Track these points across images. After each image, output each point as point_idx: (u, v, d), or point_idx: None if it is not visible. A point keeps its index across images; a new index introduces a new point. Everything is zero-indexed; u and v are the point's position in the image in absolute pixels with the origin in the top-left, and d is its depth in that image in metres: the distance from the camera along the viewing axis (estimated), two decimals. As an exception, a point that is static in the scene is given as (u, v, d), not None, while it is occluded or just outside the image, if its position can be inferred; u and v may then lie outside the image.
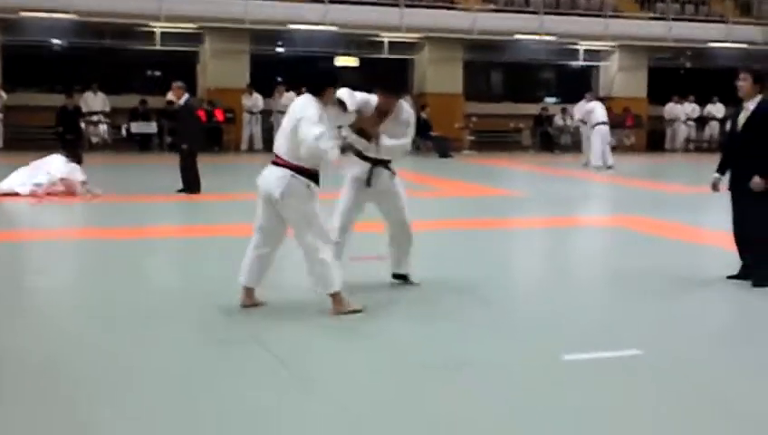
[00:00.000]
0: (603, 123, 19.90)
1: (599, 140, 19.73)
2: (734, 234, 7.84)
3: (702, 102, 26.90)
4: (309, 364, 5.19)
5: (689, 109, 26.79)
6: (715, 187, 7.91)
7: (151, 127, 22.26)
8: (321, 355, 5.39)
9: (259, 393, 4.68)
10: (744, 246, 7.77)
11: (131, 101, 22.73)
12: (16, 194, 12.73)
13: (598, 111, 20.13)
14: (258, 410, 4.44)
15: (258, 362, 5.22)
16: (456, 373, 5.06)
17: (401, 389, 4.78)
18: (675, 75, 28.19)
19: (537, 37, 24.60)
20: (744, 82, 7.65)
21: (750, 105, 7.64)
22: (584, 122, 20.83)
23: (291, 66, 25.25)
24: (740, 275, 7.77)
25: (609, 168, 19.54)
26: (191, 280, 7.93)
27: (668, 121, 26.92)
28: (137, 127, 22.28)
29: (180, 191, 13.54)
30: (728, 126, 8.50)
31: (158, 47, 23.38)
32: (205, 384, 4.81)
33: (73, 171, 13.26)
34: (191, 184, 13.56)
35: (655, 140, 26.76)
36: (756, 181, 7.42)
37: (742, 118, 7.69)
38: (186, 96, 13.87)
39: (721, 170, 7.90)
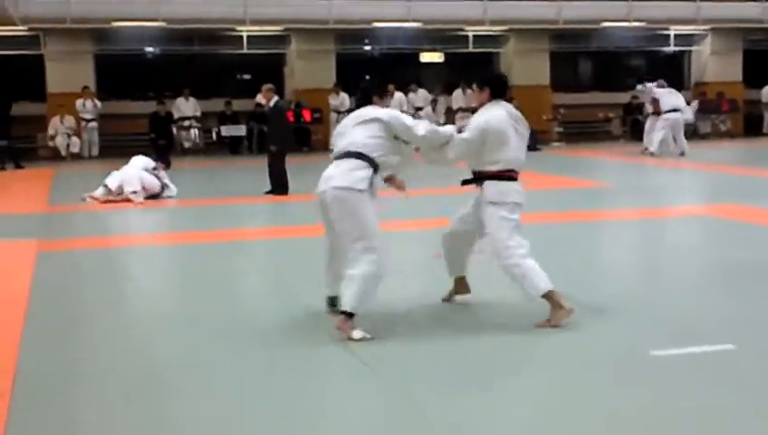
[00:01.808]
0: (674, 110, 19.31)
1: (663, 127, 19.19)
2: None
3: (801, 84, 25.92)
4: (395, 368, 5.19)
5: (786, 91, 25.86)
6: None
7: (241, 130, 22.57)
8: (407, 360, 5.37)
9: (346, 396, 4.69)
10: None
11: (222, 105, 23.11)
12: (114, 200, 13.08)
13: (666, 97, 19.54)
14: (346, 412, 4.45)
15: (345, 365, 5.24)
16: (544, 371, 4.99)
17: (487, 391, 4.73)
18: (772, 57, 27.26)
19: (625, 24, 24.08)
20: None
21: None
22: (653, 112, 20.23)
23: (377, 64, 25.32)
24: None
25: (682, 154, 19.02)
26: (278, 281, 8.01)
27: (766, 105, 26.03)
28: (226, 130, 22.63)
29: (268, 193, 13.69)
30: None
31: (245, 51, 23.69)
32: (290, 385, 4.84)
33: (151, 179, 13.49)
34: (279, 185, 13.70)
35: (752, 124, 25.92)
36: None
37: None
38: (275, 98, 14.05)
39: None
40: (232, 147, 22.85)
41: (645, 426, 4.15)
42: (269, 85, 14.13)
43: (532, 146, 22.21)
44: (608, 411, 4.34)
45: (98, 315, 6.70)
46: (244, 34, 23.33)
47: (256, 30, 23.10)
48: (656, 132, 19.41)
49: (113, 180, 13.24)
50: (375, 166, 5.77)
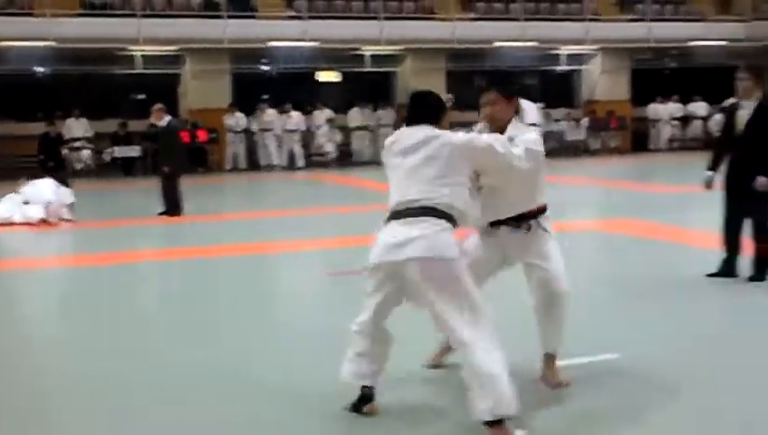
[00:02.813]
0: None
1: None
2: (724, 231, 7.80)
3: (685, 101, 26.91)
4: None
5: (672, 108, 26.79)
6: (708, 185, 7.85)
7: (134, 151, 22.17)
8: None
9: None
10: (734, 244, 7.75)
11: (115, 125, 22.64)
12: (11, 223, 12.72)
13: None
14: None
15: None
16: (435, 386, 5.00)
17: None
18: (657, 76, 28.19)
19: (518, 44, 24.58)
20: (747, 82, 7.55)
21: (750, 104, 7.53)
22: None
23: (274, 83, 25.24)
24: (720, 273, 7.77)
25: None
26: (171, 303, 7.86)
27: (652, 122, 26.91)
28: (120, 151, 22.20)
29: (161, 214, 13.47)
30: (716, 124, 8.44)
31: (138, 71, 23.31)
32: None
33: (62, 195, 13.24)
34: (173, 206, 13.50)
35: (639, 140, 26.75)
36: (762, 181, 7.37)
37: (741, 117, 7.57)
38: (167, 118, 13.84)
39: (713, 168, 7.84)
40: (125, 168, 22.42)
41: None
42: (160, 105, 13.92)
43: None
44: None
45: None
46: (138, 54, 22.96)
47: (150, 50, 22.75)
48: None
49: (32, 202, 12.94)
50: (455, 223, 4.38)
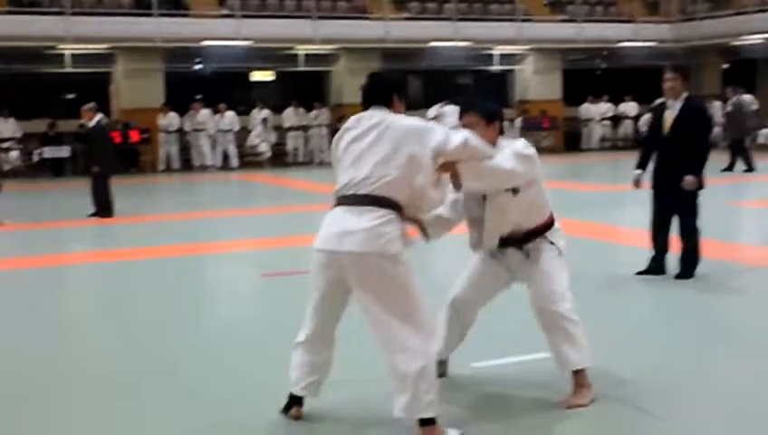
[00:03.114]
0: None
1: None
2: (652, 229, 7.95)
3: (615, 102, 27.39)
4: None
5: (603, 108, 27.24)
6: (637, 184, 7.99)
7: (64, 151, 21.77)
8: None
9: None
10: (662, 242, 7.91)
11: (44, 125, 22.20)
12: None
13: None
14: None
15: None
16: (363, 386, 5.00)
17: None
18: (588, 76, 28.63)
19: (452, 44, 24.74)
20: (673, 82, 7.68)
21: (676, 104, 7.67)
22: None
23: (208, 83, 25.01)
24: (648, 270, 7.92)
25: None
26: (104, 307, 7.74)
27: (584, 122, 27.32)
28: (49, 151, 21.78)
29: (92, 216, 13.27)
30: (645, 123, 8.60)
31: (68, 69, 22.90)
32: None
33: None
34: (103, 208, 13.30)
35: (571, 140, 27.13)
36: (689, 180, 7.51)
37: (668, 117, 7.70)
38: (97, 118, 13.60)
39: (642, 167, 7.99)
40: (55, 168, 22.02)
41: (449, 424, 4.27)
42: (90, 105, 13.67)
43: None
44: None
45: None
46: (68, 53, 22.55)
47: (80, 48, 22.35)
48: None
49: None
50: (401, 211, 4.16)
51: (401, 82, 4.42)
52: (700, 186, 7.63)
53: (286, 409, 4.52)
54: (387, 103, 4.28)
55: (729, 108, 20.36)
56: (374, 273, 4.05)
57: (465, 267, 5.01)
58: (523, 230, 4.71)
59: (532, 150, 4.58)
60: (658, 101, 8.09)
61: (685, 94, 7.69)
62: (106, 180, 13.39)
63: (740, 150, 18.70)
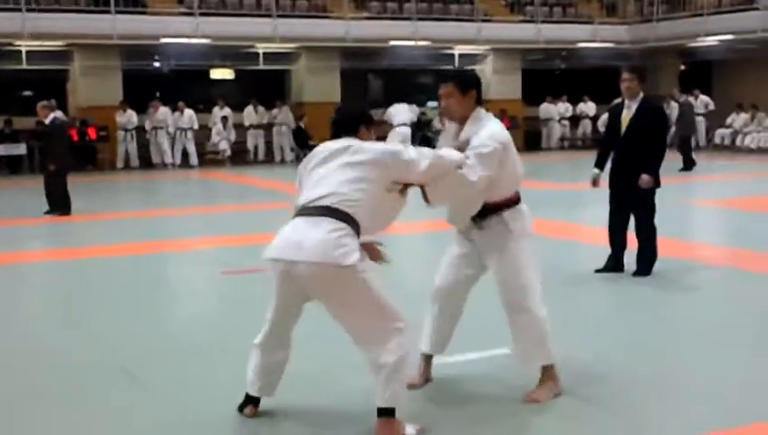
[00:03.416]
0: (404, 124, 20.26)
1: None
2: (610, 228, 8.04)
3: (574, 102, 27.63)
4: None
5: (563, 108, 27.47)
6: (595, 182, 8.08)
7: (20, 148, 21.47)
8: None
9: None
10: (619, 240, 8.00)
11: (0, 122, 21.86)
12: None
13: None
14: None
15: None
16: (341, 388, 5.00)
17: None
18: (548, 76, 28.86)
19: (412, 43, 24.78)
20: (630, 83, 7.77)
21: (633, 104, 7.77)
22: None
23: (167, 80, 24.82)
24: (607, 268, 8.01)
25: None
26: (64, 307, 7.65)
27: (543, 121, 27.53)
28: (4, 149, 21.47)
29: (47, 213, 13.15)
30: (603, 123, 8.68)
31: (24, 66, 22.58)
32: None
33: None
34: (60, 204, 13.20)
35: (531, 139, 27.31)
36: (645, 179, 7.61)
37: (625, 117, 7.80)
38: (52, 115, 13.46)
39: (600, 166, 8.08)
40: (11, 166, 21.71)
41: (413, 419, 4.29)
42: (45, 102, 13.58)
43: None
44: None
45: None
46: (23, 49, 22.23)
47: (36, 45, 22.06)
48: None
49: None
50: (358, 229, 4.17)
51: (367, 114, 4.57)
52: (656, 184, 7.73)
53: (241, 407, 4.53)
54: (355, 134, 4.39)
55: (676, 108, 20.76)
56: (333, 283, 4.06)
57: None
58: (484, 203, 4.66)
59: (505, 135, 4.59)
60: (616, 101, 8.18)
61: (641, 95, 7.79)
62: (63, 178, 13.27)
63: (686, 149, 19.13)
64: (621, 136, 7.82)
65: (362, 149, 4.24)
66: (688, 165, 18.82)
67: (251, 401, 4.51)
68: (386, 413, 4.12)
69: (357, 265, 4.03)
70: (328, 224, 4.05)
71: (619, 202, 7.92)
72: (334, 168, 4.21)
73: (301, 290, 4.19)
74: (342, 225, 4.06)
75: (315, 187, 4.21)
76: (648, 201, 7.80)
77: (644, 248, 7.88)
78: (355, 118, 4.48)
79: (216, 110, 23.64)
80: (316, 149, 4.40)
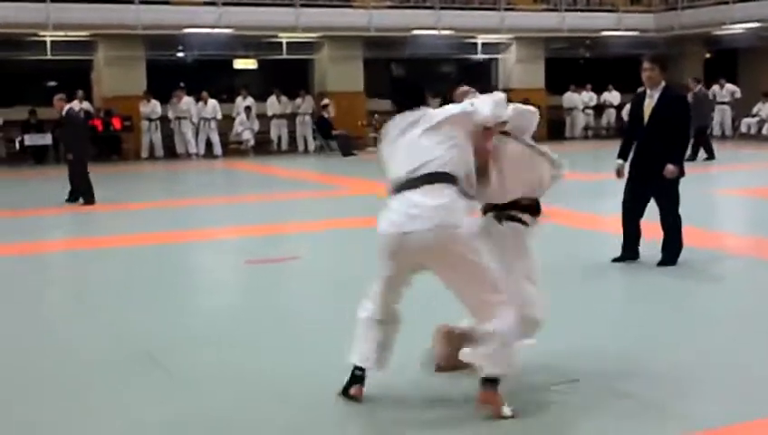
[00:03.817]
0: None
1: None
2: (624, 216, 8.00)
3: (598, 91, 27.44)
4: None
5: (587, 97, 27.31)
6: (619, 173, 8.02)
7: (46, 138, 21.62)
8: None
9: None
10: (634, 229, 7.96)
11: (25, 113, 22.04)
12: None
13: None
14: None
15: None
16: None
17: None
18: (572, 65, 28.67)
19: (435, 32, 24.71)
20: (651, 72, 7.71)
21: (655, 93, 7.71)
22: None
23: (190, 71, 24.90)
24: (623, 258, 7.97)
25: None
26: (87, 297, 7.71)
27: (567, 110, 27.39)
28: (30, 139, 21.63)
29: (68, 201, 13.41)
30: (627, 113, 8.62)
31: (49, 57, 22.72)
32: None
33: None
34: (83, 193, 13.40)
35: (555, 128, 27.16)
36: (670, 169, 7.56)
37: (647, 106, 7.74)
38: (67, 107, 13.98)
39: (623, 156, 8.02)
40: (37, 156, 21.87)
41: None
42: (60, 95, 14.05)
43: (348, 151, 22.63)
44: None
45: None
46: (48, 40, 22.37)
47: (61, 35, 22.19)
48: None
49: None
50: (462, 187, 4.35)
51: (428, 79, 4.71)
52: (681, 174, 7.68)
53: (347, 388, 4.52)
54: (423, 102, 4.51)
55: (691, 98, 20.51)
56: (447, 246, 4.20)
57: None
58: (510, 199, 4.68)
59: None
60: (638, 90, 8.13)
61: (663, 84, 7.73)
62: (84, 167, 13.47)
63: (702, 140, 18.87)
64: (644, 125, 7.77)
65: (435, 113, 4.42)
66: (710, 154, 18.60)
67: (358, 381, 4.51)
68: (490, 383, 4.26)
69: (469, 226, 4.28)
70: (437, 190, 4.22)
71: (635, 191, 7.86)
72: (417, 135, 4.36)
73: (413, 261, 4.34)
74: (449, 188, 4.24)
75: (408, 158, 4.33)
76: (672, 191, 7.74)
77: (670, 238, 7.83)
78: (421, 88, 4.58)
79: (239, 100, 23.69)
80: (388, 126, 4.53)
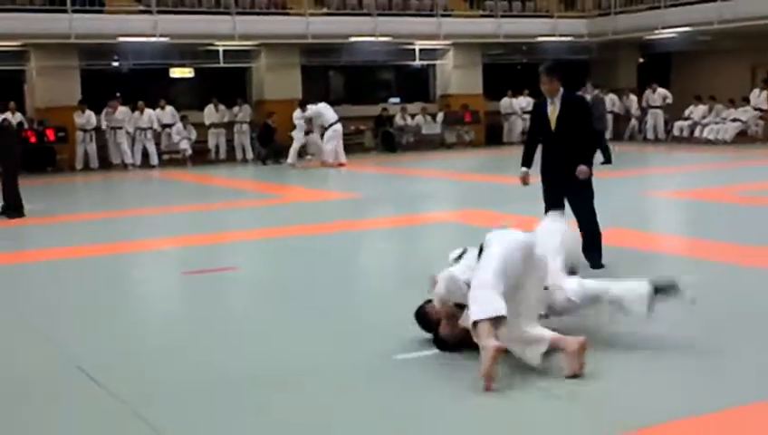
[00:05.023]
0: (337, 122, 21.08)
1: (334, 139, 20.93)
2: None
3: (535, 96, 27.58)
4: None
5: (524, 102, 27.54)
6: (525, 181, 8.19)
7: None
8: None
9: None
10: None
11: (-46, 125, 21.56)
12: None
13: (327, 113, 21.19)
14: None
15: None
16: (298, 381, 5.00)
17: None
18: (509, 70, 28.93)
19: (372, 39, 24.75)
20: (550, 85, 7.86)
21: (556, 100, 7.87)
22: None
23: (126, 80, 24.59)
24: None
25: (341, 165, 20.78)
26: (20, 314, 7.56)
27: (505, 115, 27.63)
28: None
29: (1, 215, 13.07)
30: (530, 121, 8.75)
31: (-20, 67, 22.30)
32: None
33: None
34: (12, 208, 13.06)
35: (493, 134, 27.42)
36: (583, 169, 7.71)
37: (551, 113, 7.90)
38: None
39: (527, 164, 8.18)
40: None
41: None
42: None
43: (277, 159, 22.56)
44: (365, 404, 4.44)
45: None
46: (-22, 50, 21.95)
47: (-9, 45, 21.77)
48: (327, 143, 20.94)
49: None
50: None
51: None
52: (590, 173, 7.87)
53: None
54: None
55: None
56: None
57: None
58: None
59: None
60: (539, 100, 8.28)
61: (561, 90, 7.90)
62: (13, 179, 13.16)
63: (601, 143, 19.06)
64: (553, 132, 7.92)
65: None
66: (607, 159, 18.56)
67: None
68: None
69: None
70: None
71: (555, 198, 7.95)
72: None
73: None
74: None
75: None
76: (587, 191, 7.94)
77: (589, 238, 7.89)
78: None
79: (170, 109, 23.52)
80: None
